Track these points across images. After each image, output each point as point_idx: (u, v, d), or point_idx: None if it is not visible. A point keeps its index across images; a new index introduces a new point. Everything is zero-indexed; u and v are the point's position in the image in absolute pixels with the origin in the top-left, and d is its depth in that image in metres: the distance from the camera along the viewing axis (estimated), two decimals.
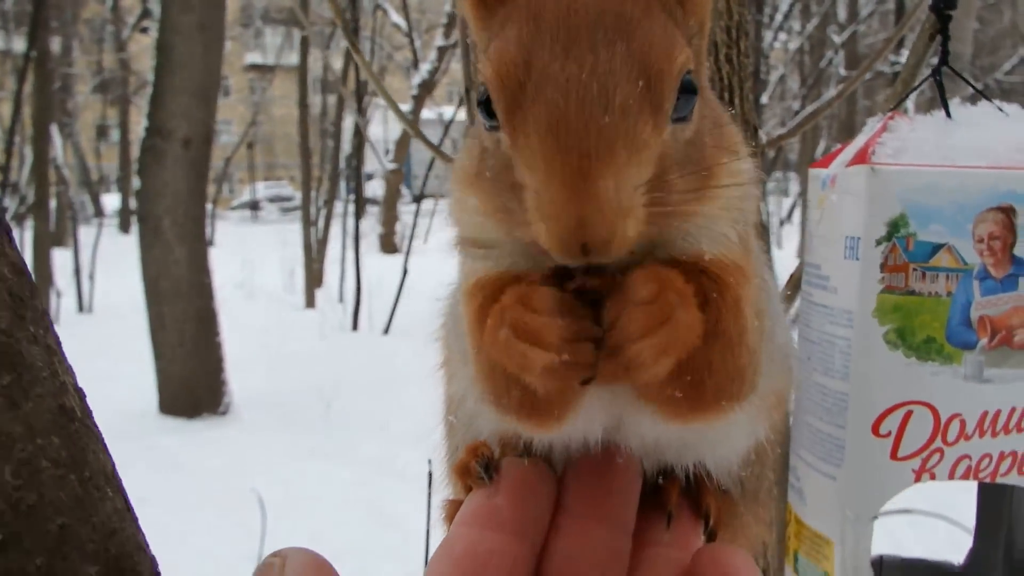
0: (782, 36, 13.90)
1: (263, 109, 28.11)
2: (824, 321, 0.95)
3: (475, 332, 0.62)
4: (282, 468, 5.87)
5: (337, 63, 15.68)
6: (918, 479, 0.91)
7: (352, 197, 12.84)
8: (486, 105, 0.56)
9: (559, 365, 0.54)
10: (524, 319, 0.55)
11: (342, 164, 14.87)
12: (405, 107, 11.02)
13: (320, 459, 6.08)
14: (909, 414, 0.89)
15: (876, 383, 0.90)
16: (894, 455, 0.90)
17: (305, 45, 13.97)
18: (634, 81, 0.52)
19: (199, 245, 7.52)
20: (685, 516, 0.69)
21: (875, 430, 0.90)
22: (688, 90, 0.56)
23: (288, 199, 31.69)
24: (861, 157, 0.91)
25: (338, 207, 14.96)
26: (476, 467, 0.67)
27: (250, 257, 14.76)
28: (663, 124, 0.54)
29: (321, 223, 14.58)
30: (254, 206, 32.70)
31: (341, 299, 12.39)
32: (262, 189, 33.46)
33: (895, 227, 0.88)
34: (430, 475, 2.06)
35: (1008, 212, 0.89)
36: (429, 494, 2.00)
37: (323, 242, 14.26)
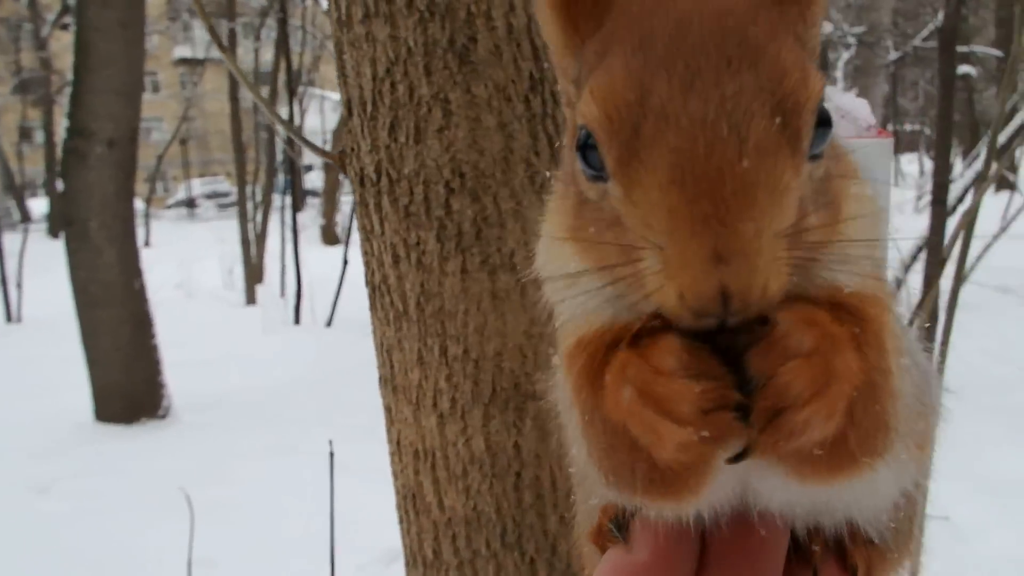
0: None
1: (195, 104, 27.62)
2: None
3: (581, 400, 0.55)
4: (224, 468, 5.88)
5: (268, 54, 15.50)
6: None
7: (289, 190, 12.76)
8: (589, 151, 0.48)
9: (697, 441, 0.46)
10: (650, 382, 0.47)
11: (278, 157, 14.74)
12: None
13: (264, 457, 6.09)
14: None
15: None
16: None
17: (233, 37, 13.79)
18: (769, 117, 0.45)
19: (130, 247, 7.43)
20: (832, 571, 0.62)
21: None
22: (823, 122, 0.49)
23: (225, 195, 31.19)
24: None
25: (277, 200, 14.84)
26: (609, 525, 0.62)
27: (188, 256, 14.58)
28: (801, 163, 0.47)
29: (259, 218, 14.45)
30: (190, 204, 32.19)
31: (283, 294, 12.33)
32: (198, 186, 32.92)
33: None
34: (331, 455, 2.14)
35: None
36: (331, 473, 2.08)
37: (262, 237, 14.14)
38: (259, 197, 14.92)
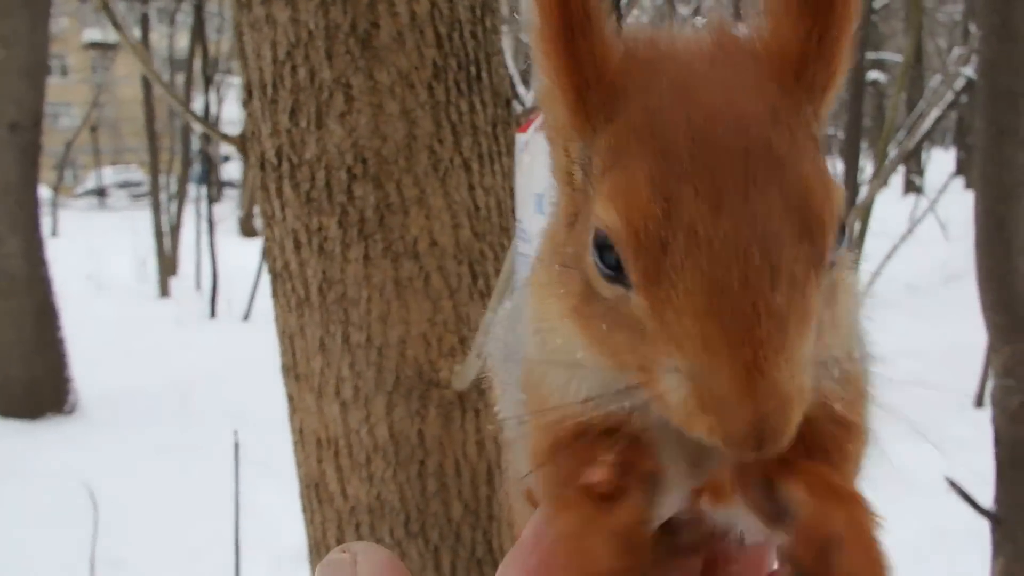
0: None
1: (106, 90, 26.61)
2: (525, 270, 1.07)
3: (543, 472, 0.54)
4: (134, 465, 5.70)
5: (183, 40, 15.05)
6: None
7: (205, 180, 12.44)
8: (605, 251, 0.46)
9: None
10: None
11: (194, 147, 14.35)
12: None
13: (176, 453, 5.93)
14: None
15: None
16: None
17: (146, 22, 13.35)
18: (797, 240, 0.43)
19: (34, 236, 7.13)
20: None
21: None
22: (840, 232, 0.47)
23: (138, 184, 30.13)
24: None
25: (193, 191, 14.45)
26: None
27: (98, 247, 14.07)
28: (822, 282, 0.45)
29: (173, 208, 14.04)
30: (101, 193, 31.02)
31: (198, 286, 12.01)
32: (109, 175, 31.72)
33: None
34: (236, 446, 2.10)
35: None
36: (236, 465, 2.05)
37: (176, 228, 13.75)
38: (174, 187, 14.51)
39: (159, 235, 12.51)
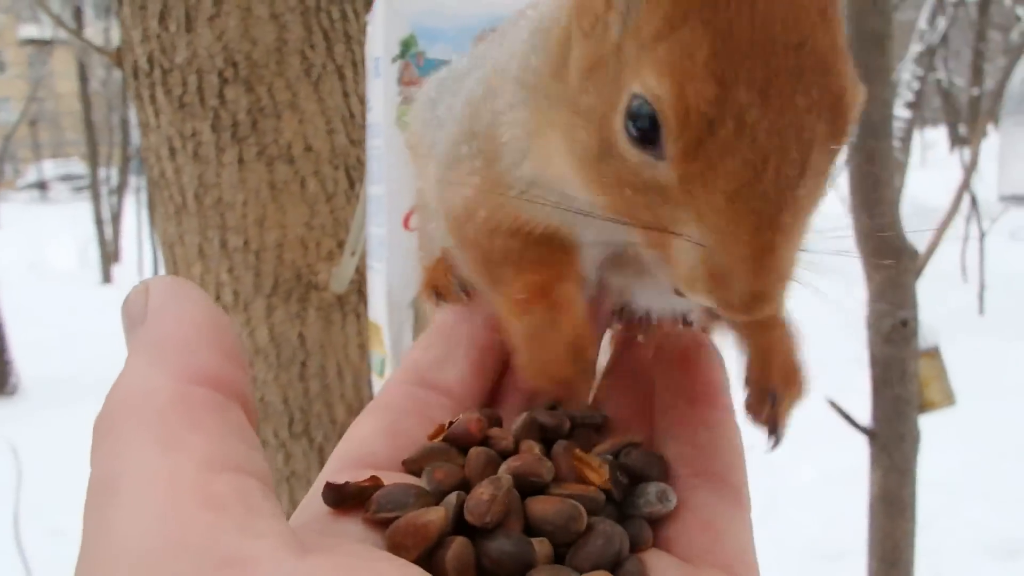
0: None
1: (45, 85, 25.96)
2: (371, 137, 1.10)
3: (476, 227, 0.58)
4: (75, 442, 5.61)
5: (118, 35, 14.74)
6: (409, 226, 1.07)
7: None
8: (641, 119, 0.46)
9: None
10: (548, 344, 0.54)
11: (135, 139, 14.10)
12: None
13: None
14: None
15: (403, 184, 1.05)
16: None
17: (79, 16, 13.09)
18: (826, 140, 0.46)
19: None
20: None
21: (406, 224, 1.06)
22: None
23: (80, 177, 29.46)
24: None
25: (134, 181, 14.22)
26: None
27: (40, 237, 13.79)
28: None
29: (114, 199, 13.84)
30: (42, 186, 30.36)
31: (140, 273, 11.83)
32: (51, 168, 31.10)
33: (406, 46, 1.04)
34: None
35: None
36: None
37: (117, 216, 13.53)
38: (115, 180, 14.28)
39: (99, 222, 12.32)
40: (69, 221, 15.89)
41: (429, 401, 0.59)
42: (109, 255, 12.54)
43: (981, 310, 8.27)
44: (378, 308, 1.10)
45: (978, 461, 4.79)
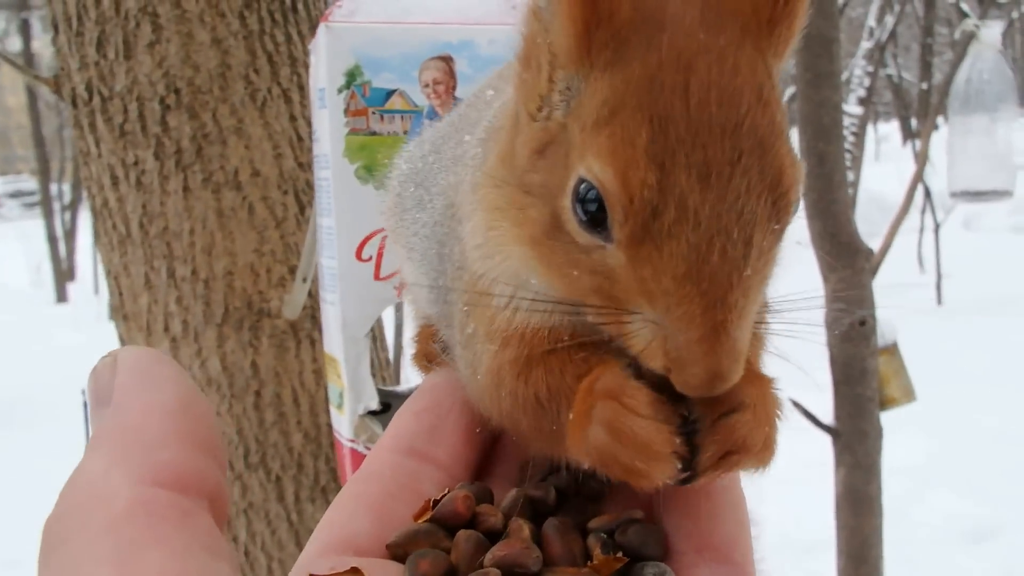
0: None
1: None
2: (319, 168, 1.08)
3: (509, 385, 0.56)
4: (30, 464, 5.49)
5: None
6: (400, 295, 1.06)
7: None
8: (588, 203, 0.47)
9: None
10: (630, 425, 0.49)
11: None
12: None
13: (73, 452, 5.72)
14: (385, 239, 1.04)
15: (354, 215, 1.03)
16: (376, 276, 1.04)
17: (27, 29, 12.86)
18: (769, 220, 0.46)
19: None
20: None
21: (358, 256, 1.04)
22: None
23: (31, 193, 28.91)
24: (324, 18, 1.03)
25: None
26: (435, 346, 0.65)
27: None
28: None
29: (68, 216, 13.55)
30: None
31: (96, 290, 11.61)
32: (0, 185, 30.43)
33: (352, 76, 1.02)
34: (85, 405, 2.05)
35: (447, 60, 1.04)
36: (87, 432, 2.00)
37: (71, 233, 13.27)
38: (67, 196, 13.99)
39: (52, 240, 12.07)
40: (21, 239, 15.54)
41: (419, 473, 0.58)
42: (63, 273, 12.29)
43: (939, 300, 8.43)
44: (334, 341, 1.08)
45: (942, 449, 4.88)
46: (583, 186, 0.47)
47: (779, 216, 0.47)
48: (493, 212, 0.55)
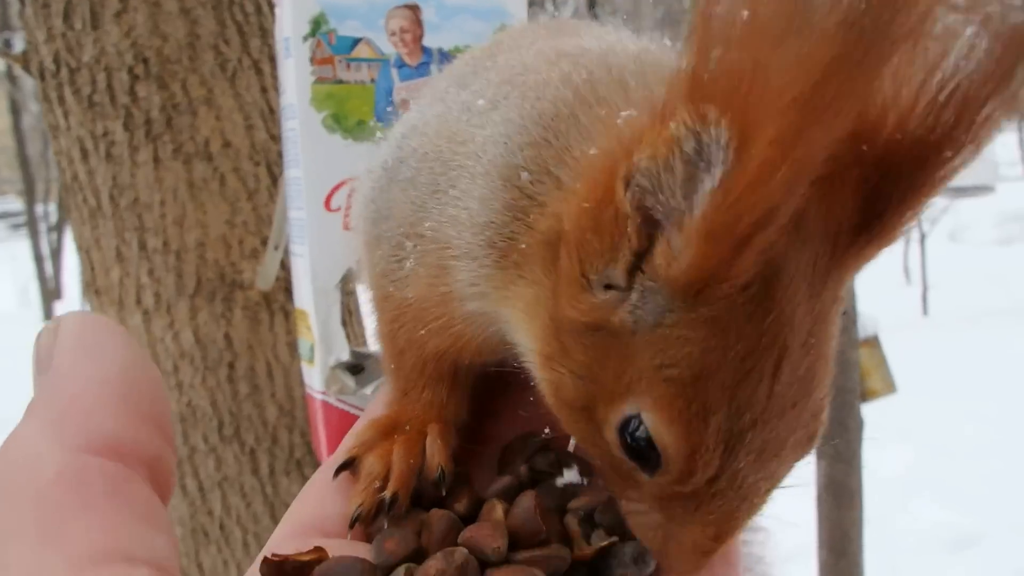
0: None
1: None
2: (285, 119, 1.07)
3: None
4: None
5: None
6: None
7: None
8: (640, 443, 0.46)
9: None
10: None
11: None
12: None
13: None
14: (353, 189, 1.03)
15: (322, 165, 1.03)
16: (346, 226, 1.03)
17: (8, 46, 12.83)
18: (796, 454, 0.47)
19: None
20: None
21: (327, 206, 1.03)
22: None
23: (17, 214, 28.80)
24: None
25: None
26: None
27: None
28: None
29: (55, 236, 13.49)
30: None
31: (83, 308, 11.56)
32: None
33: (317, 24, 1.01)
34: None
35: (415, 9, 1.04)
36: None
37: (57, 253, 13.19)
38: (53, 216, 13.93)
39: (38, 260, 12.00)
40: (7, 259, 15.47)
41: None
42: (50, 293, 12.20)
43: (925, 311, 8.45)
44: (303, 294, 1.06)
45: (927, 458, 4.87)
46: (639, 427, 0.45)
47: (804, 455, 0.47)
48: (547, 361, 0.51)
